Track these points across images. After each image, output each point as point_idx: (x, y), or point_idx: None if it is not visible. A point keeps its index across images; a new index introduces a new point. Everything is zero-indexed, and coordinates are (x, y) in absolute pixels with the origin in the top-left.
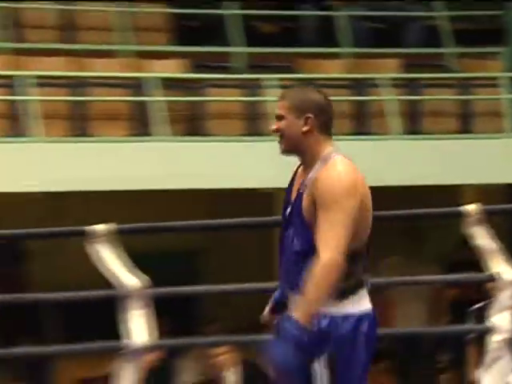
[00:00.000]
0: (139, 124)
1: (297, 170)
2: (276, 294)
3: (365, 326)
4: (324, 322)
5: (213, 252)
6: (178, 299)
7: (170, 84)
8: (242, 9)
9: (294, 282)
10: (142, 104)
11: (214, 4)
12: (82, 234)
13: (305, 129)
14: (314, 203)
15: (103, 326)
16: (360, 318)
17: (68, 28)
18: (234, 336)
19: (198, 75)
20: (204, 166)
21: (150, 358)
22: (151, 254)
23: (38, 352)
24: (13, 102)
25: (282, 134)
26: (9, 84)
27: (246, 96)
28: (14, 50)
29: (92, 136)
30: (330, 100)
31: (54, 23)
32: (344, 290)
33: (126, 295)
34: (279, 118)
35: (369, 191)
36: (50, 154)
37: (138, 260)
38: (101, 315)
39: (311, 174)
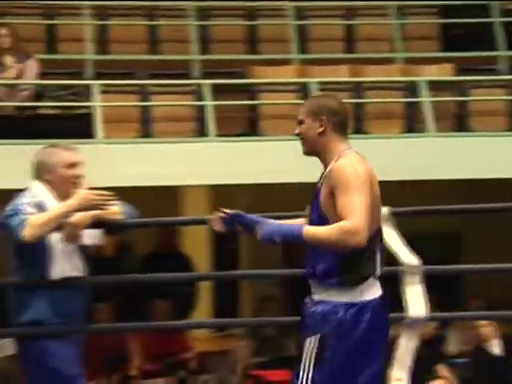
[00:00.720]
0: (411, 122)
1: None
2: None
3: (367, 315)
4: (327, 307)
5: (472, 234)
6: (444, 277)
7: (438, 86)
8: (505, 16)
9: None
10: (414, 104)
11: (478, 13)
12: None
13: (320, 130)
14: (331, 194)
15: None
16: (362, 307)
17: (349, 40)
18: (495, 311)
19: (463, 77)
20: (467, 159)
21: (425, 328)
22: (419, 236)
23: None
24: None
25: (302, 137)
26: (297, 90)
27: (509, 95)
28: (301, 60)
29: (367, 133)
30: (343, 103)
31: (339, 36)
32: (349, 280)
33: (406, 271)
34: (300, 122)
35: (378, 185)
36: None
37: (409, 241)
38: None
39: (327, 169)
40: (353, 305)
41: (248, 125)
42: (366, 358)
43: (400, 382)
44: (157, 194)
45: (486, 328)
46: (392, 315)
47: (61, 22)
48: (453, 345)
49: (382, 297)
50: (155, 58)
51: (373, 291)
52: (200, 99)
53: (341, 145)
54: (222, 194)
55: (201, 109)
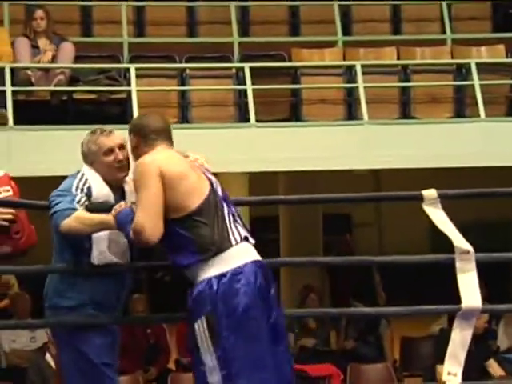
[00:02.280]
0: (461, 106)
1: None
2: None
3: (242, 281)
4: (201, 286)
5: None
6: (494, 267)
7: (488, 68)
8: None
9: None
10: (464, 88)
11: None
12: (418, 198)
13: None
14: None
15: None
16: (234, 274)
17: (396, 21)
18: None
19: None
20: None
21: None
22: (470, 224)
23: (371, 312)
24: (346, 88)
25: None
26: (341, 73)
27: None
28: (345, 42)
29: (414, 118)
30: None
31: (385, 17)
32: (209, 255)
33: (459, 257)
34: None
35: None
36: (378, 134)
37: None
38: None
39: None
40: (223, 275)
41: (290, 110)
42: (258, 321)
43: (453, 376)
44: None
45: None
46: (445, 307)
47: (96, 4)
48: (503, 339)
49: (258, 262)
50: (193, 40)
51: (243, 257)
52: (240, 83)
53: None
54: (260, 181)
55: (241, 93)
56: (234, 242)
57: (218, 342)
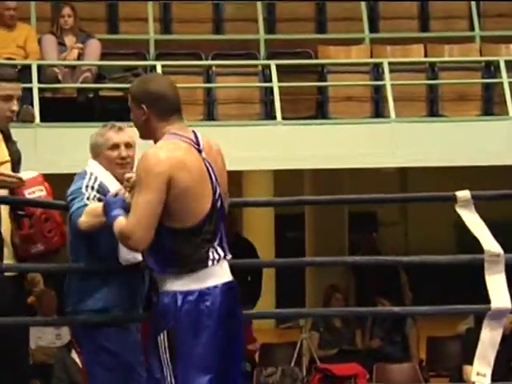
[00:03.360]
0: (489, 104)
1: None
2: None
3: (207, 303)
4: (166, 299)
5: None
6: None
7: None
8: None
9: None
10: (493, 85)
11: None
12: (451, 199)
13: (143, 118)
14: None
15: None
16: (201, 294)
17: (423, 18)
18: None
19: None
20: None
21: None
22: (497, 222)
23: (398, 312)
24: (373, 86)
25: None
26: (368, 70)
27: None
28: (372, 39)
29: (442, 116)
30: (171, 87)
31: (412, 14)
32: (184, 268)
33: (488, 260)
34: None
35: (199, 170)
36: (405, 132)
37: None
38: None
39: None
40: (189, 293)
41: (316, 107)
42: (216, 347)
43: (482, 377)
44: None
45: None
46: (474, 307)
47: (123, 1)
48: None
49: (228, 283)
50: (220, 37)
51: (215, 278)
52: (266, 81)
53: (162, 130)
54: (286, 179)
55: (267, 91)
56: (211, 263)
57: (176, 359)
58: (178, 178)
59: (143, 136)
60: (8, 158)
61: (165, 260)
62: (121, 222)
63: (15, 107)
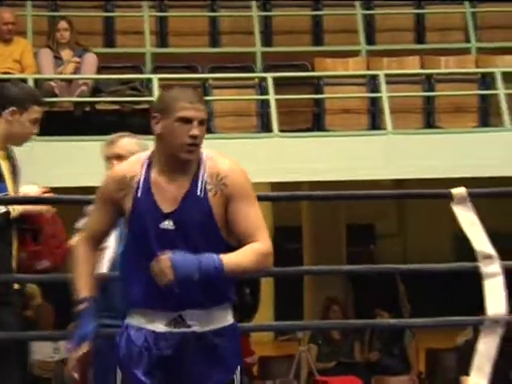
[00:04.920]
0: (486, 116)
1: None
2: None
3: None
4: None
5: None
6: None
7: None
8: None
9: None
10: (489, 97)
11: None
12: (447, 195)
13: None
14: (225, 203)
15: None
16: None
17: (420, 30)
18: None
19: None
20: None
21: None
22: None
23: (396, 324)
24: (369, 98)
25: (200, 142)
26: (365, 82)
27: None
28: (368, 51)
29: (438, 128)
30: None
31: (408, 26)
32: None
33: (483, 264)
34: (202, 122)
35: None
36: (402, 144)
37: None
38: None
39: (203, 172)
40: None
41: (313, 120)
42: None
43: None
44: None
45: None
46: (470, 318)
47: (119, 15)
48: None
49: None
50: (216, 50)
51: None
52: (263, 93)
53: None
54: (283, 192)
55: (264, 103)
56: None
57: None
58: None
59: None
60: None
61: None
62: (254, 246)
63: (36, 130)
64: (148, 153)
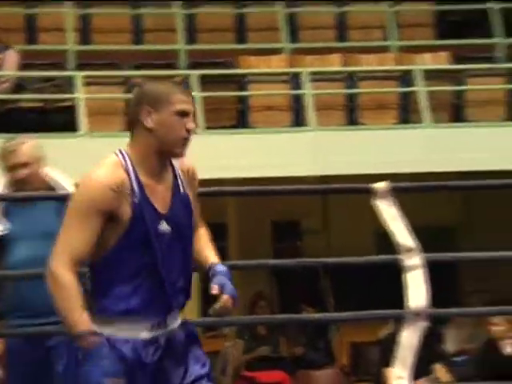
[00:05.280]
0: (406, 113)
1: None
2: None
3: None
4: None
5: (470, 228)
6: (436, 270)
7: (434, 75)
8: (502, 2)
9: None
10: (409, 94)
11: None
12: (366, 190)
13: None
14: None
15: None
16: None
17: (342, 28)
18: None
19: (460, 66)
20: (465, 151)
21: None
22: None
23: (320, 318)
24: (293, 95)
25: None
26: (288, 80)
27: (507, 84)
28: (291, 49)
29: (360, 124)
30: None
31: (331, 24)
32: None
33: (404, 257)
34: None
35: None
36: (326, 141)
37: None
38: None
39: (176, 168)
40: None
41: (237, 117)
42: None
43: (401, 380)
44: None
45: (498, 326)
46: (391, 311)
47: (41, 11)
48: (451, 343)
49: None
50: (140, 48)
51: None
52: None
53: None
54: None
55: None
56: None
57: None
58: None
59: None
60: None
61: None
62: (206, 235)
63: None
64: (120, 155)
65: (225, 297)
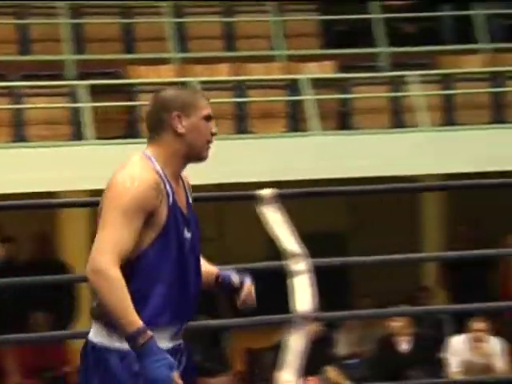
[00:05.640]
0: (294, 121)
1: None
2: None
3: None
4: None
5: (359, 234)
6: (327, 275)
7: (320, 84)
8: (385, 12)
9: None
10: (297, 103)
11: (359, 9)
12: (252, 197)
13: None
14: None
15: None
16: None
17: (229, 38)
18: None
19: (346, 75)
20: (352, 157)
21: (313, 327)
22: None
23: (214, 325)
24: None
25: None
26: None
27: (391, 92)
28: (180, 59)
29: (250, 133)
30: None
31: (218, 34)
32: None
33: (290, 262)
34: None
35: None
36: (216, 150)
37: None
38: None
39: (184, 179)
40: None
41: (128, 127)
42: None
43: (289, 383)
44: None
45: (396, 322)
46: (279, 316)
47: None
48: (343, 346)
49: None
50: (27, 58)
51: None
52: (75, 101)
53: None
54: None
55: (77, 111)
56: None
57: None
58: None
59: None
60: None
61: None
62: None
63: None
64: (147, 158)
65: (247, 284)
